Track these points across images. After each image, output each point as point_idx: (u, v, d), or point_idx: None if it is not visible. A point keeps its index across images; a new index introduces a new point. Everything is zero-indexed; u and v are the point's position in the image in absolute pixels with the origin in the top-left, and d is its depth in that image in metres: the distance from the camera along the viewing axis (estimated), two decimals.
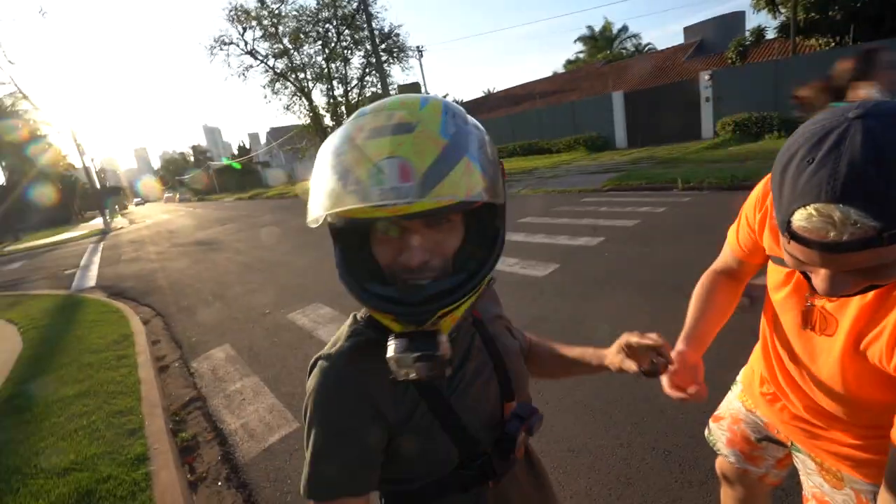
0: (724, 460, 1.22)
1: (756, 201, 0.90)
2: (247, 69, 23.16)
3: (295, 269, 6.87)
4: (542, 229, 6.46)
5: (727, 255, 1.03)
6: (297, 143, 25.21)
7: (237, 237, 11.64)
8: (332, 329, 4.11)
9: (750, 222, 0.91)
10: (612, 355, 0.78)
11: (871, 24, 13.19)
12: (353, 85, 23.19)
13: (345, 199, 0.48)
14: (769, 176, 0.74)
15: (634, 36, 32.30)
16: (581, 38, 32.92)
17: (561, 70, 32.22)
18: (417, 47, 24.76)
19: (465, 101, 33.75)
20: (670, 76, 19.18)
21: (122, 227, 22.68)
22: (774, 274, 0.88)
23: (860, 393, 0.78)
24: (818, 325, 0.80)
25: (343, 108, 23.08)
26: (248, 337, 4.28)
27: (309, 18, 22.23)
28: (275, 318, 4.70)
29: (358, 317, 0.70)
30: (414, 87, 26.29)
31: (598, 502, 1.84)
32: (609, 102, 16.93)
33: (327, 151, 0.53)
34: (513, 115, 22.00)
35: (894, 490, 0.70)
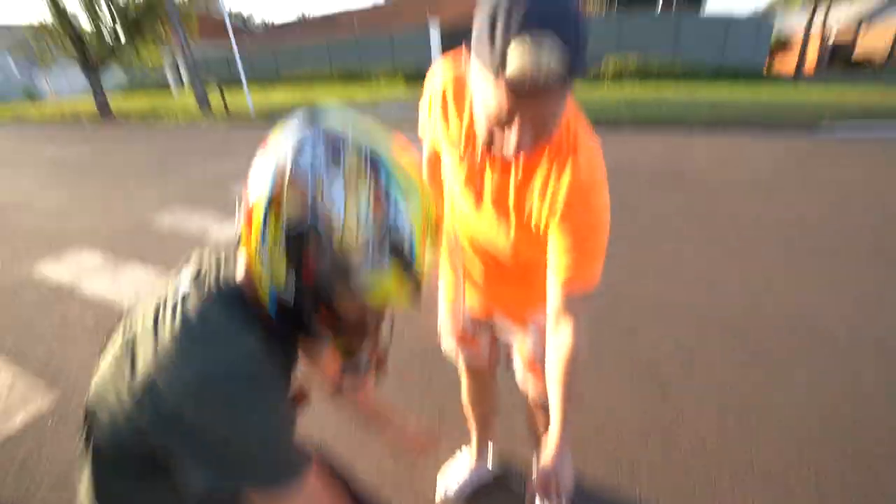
0: (463, 365, 1.43)
1: (430, 96, 0.96)
2: None
3: (40, 210, 5.28)
4: None
5: (427, 146, 1.11)
6: (38, 46, 17.45)
7: None
8: (103, 281, 3.32)
9: (429, 115, 0.98)
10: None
11: None
12: None
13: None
14: (430, 71, 0.95)
15: None
16: None
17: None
18: None
19: (276, 23, 28.89)
20: None
21: None
22: (451, 161, 0.96)
23: (533, 255, 0.93)
24: (491, 205, 0.92)
25: (109, 9, 16.49)
26: None
27: None
28: (14, 272, 3.57)
29: (209, 297, 0.62)
30: None
31: None
32: (426, 36, 16.91)
33: None
34: (332, 45, 20.18)
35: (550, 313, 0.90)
